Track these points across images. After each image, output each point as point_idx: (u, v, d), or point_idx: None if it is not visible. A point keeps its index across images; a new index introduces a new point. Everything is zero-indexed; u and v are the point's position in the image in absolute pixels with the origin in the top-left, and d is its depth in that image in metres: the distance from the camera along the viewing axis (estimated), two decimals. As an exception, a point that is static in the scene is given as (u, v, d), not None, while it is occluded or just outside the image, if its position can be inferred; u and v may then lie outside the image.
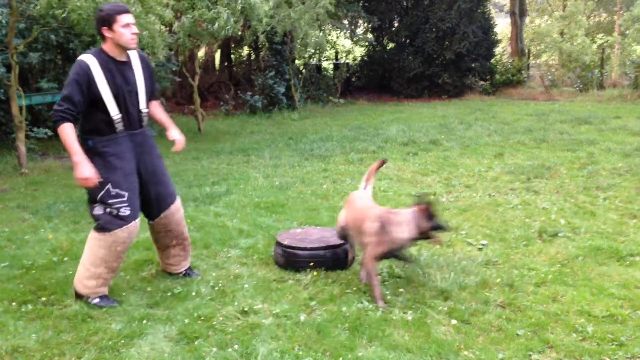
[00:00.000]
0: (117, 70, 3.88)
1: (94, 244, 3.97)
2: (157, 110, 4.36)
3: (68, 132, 3.75)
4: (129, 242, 4.04)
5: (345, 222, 4.40)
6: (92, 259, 3.97)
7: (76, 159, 3.75)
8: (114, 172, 3.89)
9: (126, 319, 3.78)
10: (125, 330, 3.61)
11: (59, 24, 9.31)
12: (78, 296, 4.03)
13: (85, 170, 3.75)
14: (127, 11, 3.87)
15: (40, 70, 10.57)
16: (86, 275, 3.99)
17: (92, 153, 3.86)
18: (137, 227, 4.06)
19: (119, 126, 3.93)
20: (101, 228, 3.93)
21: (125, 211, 3.93)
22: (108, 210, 3.91)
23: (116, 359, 3.33)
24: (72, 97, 3.74)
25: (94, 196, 3.92)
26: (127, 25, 3.83)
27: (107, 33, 3.82)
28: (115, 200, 3.90)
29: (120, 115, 3.90)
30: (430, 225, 4.03)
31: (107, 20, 3.80)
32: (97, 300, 3.98)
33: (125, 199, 3.92)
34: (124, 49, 3.90)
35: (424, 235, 4.08)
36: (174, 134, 4.33)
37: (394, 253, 4.12)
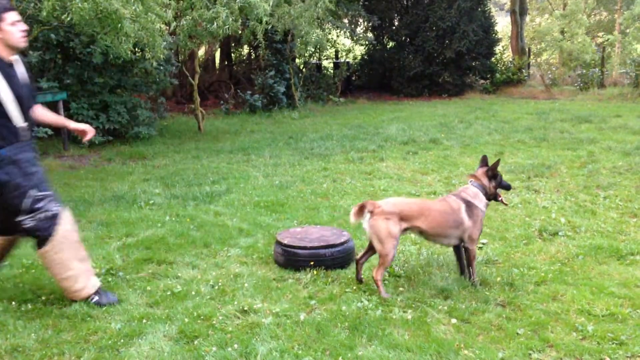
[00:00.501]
0: (10, 73, 3.67)
1: (50, 257, 3.82)
2: (44, 112, 4.20)
3: None
4: (75, 227, 3.97)
5: (425, 229, 4.14)
6: (60, 268, 3.86)
7: None
8: (33, 177, 3.75)
9: (126, 318, 3.77)
10: (125, 330, 3.60)
11: (59, 23, 9.30)
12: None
13: None
14: (12, 8, 3.67)
15: (40, 70, 10.55)
16: (69, 284, 3.90)
17: (6, 162, 3.66)
18: (68, 211, 3.96)
19: (26, 135, 3.78)
20: (43, 239, 3.78)
21: (55, 208, 3.82)
22: (39, 216, 3.74)
23: (116, 358, 3.33)
24: None
25: (18, 208, 3.70)
26: (15, 23, 3.62)
27: None
28: (44, 202, 3.77)
29: (26, 124, 3.74)
30: (494, 185, 4.27)
31: None
32: (97, 298, 3.95)
33: (51, 196, 3.83)
34: (13, 49, 3.68)
35: (492, 196, 4.30)
36: (78, 124, 4.27)
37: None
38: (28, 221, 3.75)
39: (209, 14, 9.82)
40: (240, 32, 12.99)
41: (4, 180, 3.66)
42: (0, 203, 3.74)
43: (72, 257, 3.88)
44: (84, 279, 3.93)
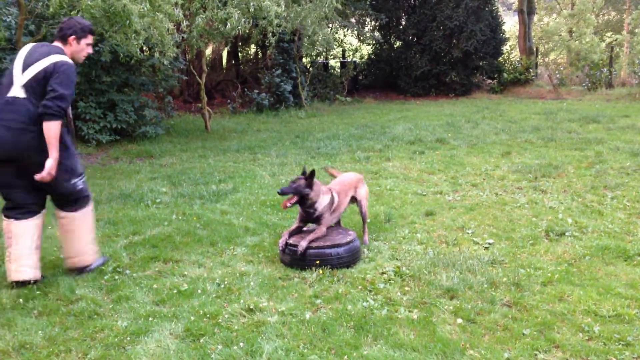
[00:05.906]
0: None
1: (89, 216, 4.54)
2: None
3: (59, 129, 4.06)
4: None
5: None
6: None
7: (57, 156, 4.07)
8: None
9: (132, 316, 3.79)
10: (131, 328, 3.62)
11: (67, 21, 9.32)
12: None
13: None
14: (94, 32, 4.49)
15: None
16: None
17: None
18: None
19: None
20: (87, 197, 4.52)
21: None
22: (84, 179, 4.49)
23: (122, 356, 3.35)
24: (70, 98, 4.09)
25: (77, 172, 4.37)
26: (89, 44, 4.39)
27: (73, 42, 4.28)
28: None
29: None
30: None
31: (80, 33, 4.28)
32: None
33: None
34: (73, 60, 4.31)
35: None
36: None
37: None
38: (80, 183, 4.42)
39: (221, 15, 9.83)
40: (248, 31, 13.01)
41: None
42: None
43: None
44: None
